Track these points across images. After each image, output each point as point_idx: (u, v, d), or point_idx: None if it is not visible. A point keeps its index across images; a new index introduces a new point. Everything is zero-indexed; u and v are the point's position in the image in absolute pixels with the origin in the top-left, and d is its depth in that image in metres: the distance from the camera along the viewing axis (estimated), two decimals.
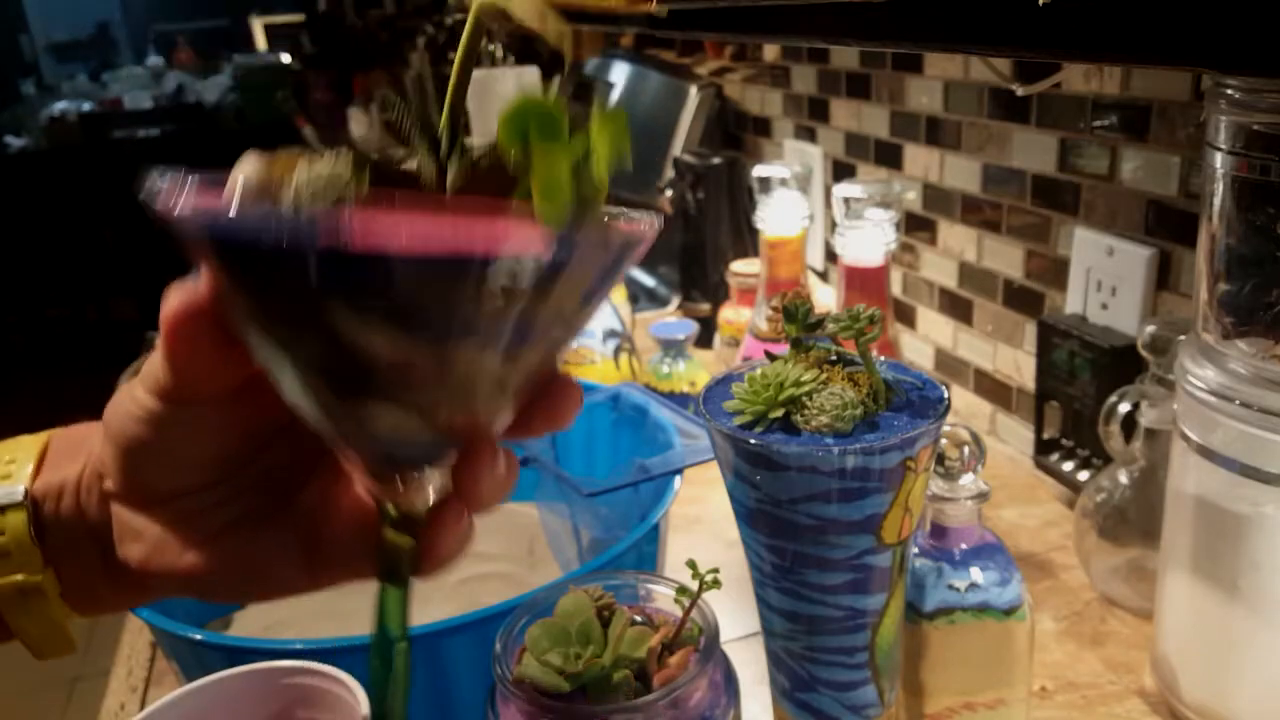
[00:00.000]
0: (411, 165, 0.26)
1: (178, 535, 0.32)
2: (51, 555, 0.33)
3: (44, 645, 0.35)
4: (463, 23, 0.27)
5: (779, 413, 0.40)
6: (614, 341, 1.02)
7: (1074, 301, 0.85)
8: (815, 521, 0.40)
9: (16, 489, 0.33)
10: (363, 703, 0.45)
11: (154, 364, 0.30)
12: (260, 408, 0.31)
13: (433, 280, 0.22)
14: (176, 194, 0.24)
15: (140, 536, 0.32)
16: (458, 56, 0.27)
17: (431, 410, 0.27)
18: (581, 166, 0.26)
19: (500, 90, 1.42)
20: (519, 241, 0.23)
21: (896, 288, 1.12)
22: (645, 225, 0.26)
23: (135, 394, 0.30)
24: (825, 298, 1.11)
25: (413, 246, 0.22)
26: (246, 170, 0.25)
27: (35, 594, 0.33)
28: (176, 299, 0.28)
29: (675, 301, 1.36)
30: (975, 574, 0.50)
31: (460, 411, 0.27)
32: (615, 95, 1.61)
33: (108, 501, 0.33)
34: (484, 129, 1.45)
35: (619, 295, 1.16)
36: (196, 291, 0.28)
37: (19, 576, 0.33)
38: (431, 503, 0.30)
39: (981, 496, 0.49)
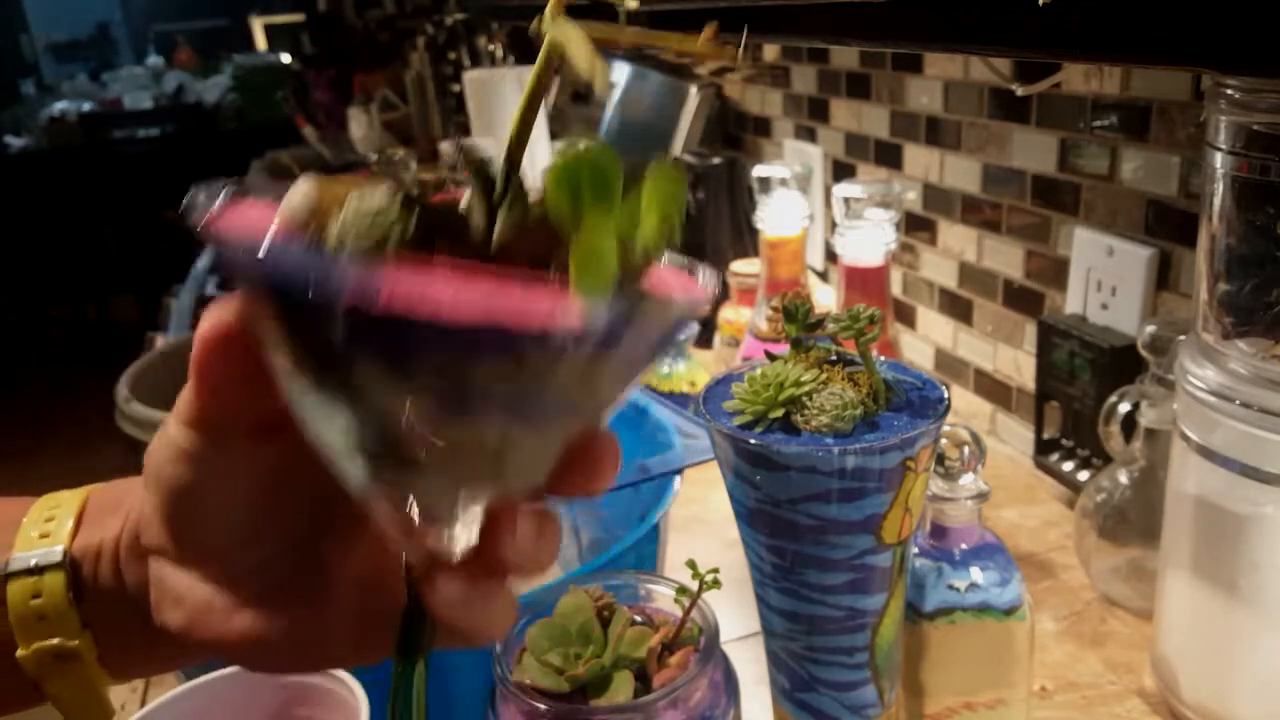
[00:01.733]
0: (460, 207, 0.25)
1: (221, 599, 0.30)
2: (89, 618, 0.32)
3: (79, 712, 0.34)
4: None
5: (779, 413, 0.40)
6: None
7: (1074, 301, 0.85)
8: (815, 521, 0.40)
9: (55, 549, 0.32)
10: (362, 702, 0.45)
11: (185, 391, 0.29)
12: (298, 456, 0.30)
13: (462, 352, 0.21)
14: (218, 214, 0.24)
15: (181, 601, 0.31)
16: (524, 95, 0.26)
17: (455, 477, 0.25)
18: (630, 236, 0.24)
19: (501, 91, 1.42)
20: (556, 318, 0.21)
21: (896, 288, 1.12)
22: (701, 294, 0.25)
23: (168, 430, 0.30)
24: (825, 298, 1.11)
25: (441, 313, 0.20)
26: (296, 198, 0.24)
27: (72, 659, 0.32)
28: (212, 319, 0.27)
29: None
30: (975, 574, 0.50)
31: (486, 480, 0.26)
32: (615, 95, 1.61)
33: (146, 562, 0.32)
34: (482, 129, 1.45)
35: None
36: (231, 313, 0.27)
37: (55, 640, 0.32)
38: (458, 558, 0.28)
39: (981, 496, 0.49)
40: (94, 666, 0.33)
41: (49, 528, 0.33)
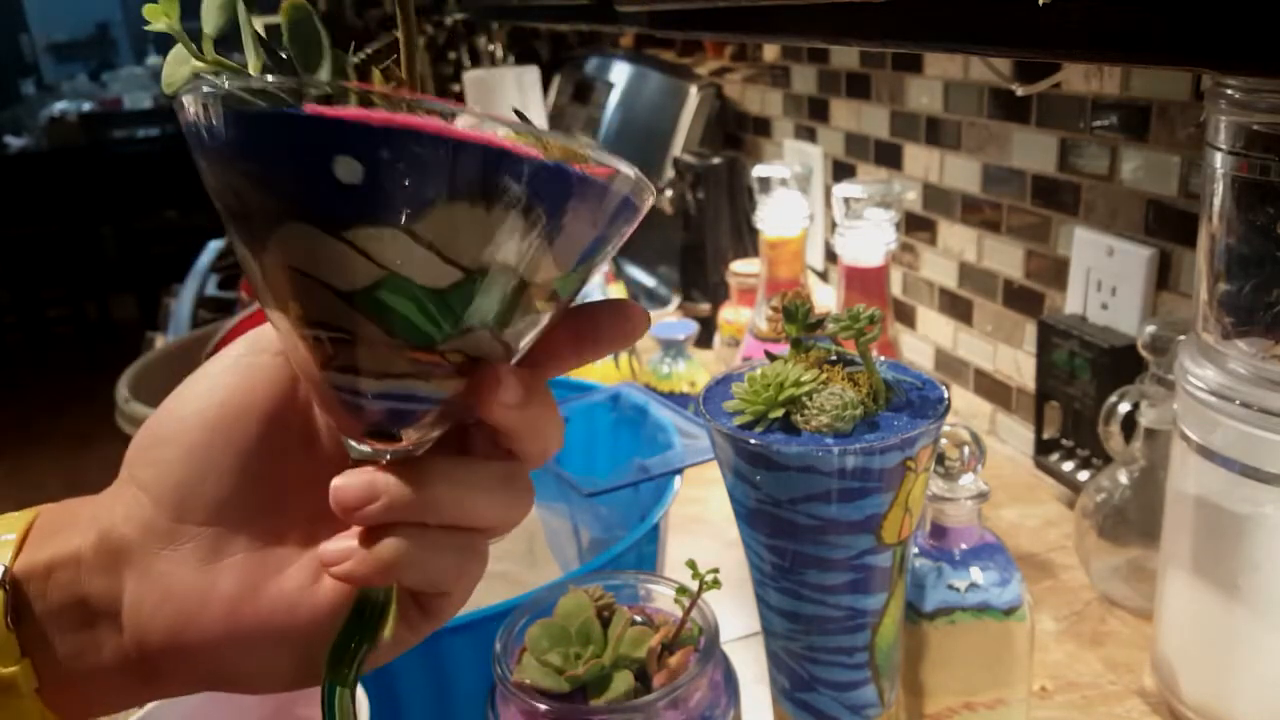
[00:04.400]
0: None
1: (217, 587, 0.30)
2: (29, 645, 0.29)
3: None
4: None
5: (779, 413, 0.40)
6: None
7: (1074, 301, 0.85)
8: (815, 521, 0.40)
9: None
10: (363, 702, 0.45)
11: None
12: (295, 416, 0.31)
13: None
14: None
15: (170, 596, 0.29)
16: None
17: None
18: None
19: (501, 90, 1.42)
20: None
21: (896, 288, 1.12)
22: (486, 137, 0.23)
23: (203, 368, 0.31)
24: (825, 298, 1.11)
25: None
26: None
27: (6, 690, 0.29)
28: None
29: (675, 301, 1.36)
30: (975, 574, 0.50)
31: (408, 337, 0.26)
32: (615, 95, 1.61)
33: (119, 571, 0.30)
34: None
35: (619, 295, 1.16)
36: None
37: None
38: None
39: (981, 496, 0.49)
40: (31, 699, 0.29)
41: None
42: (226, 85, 0.23)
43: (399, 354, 0.26)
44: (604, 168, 0.25)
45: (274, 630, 0.30)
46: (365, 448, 0.29)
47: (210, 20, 0.27)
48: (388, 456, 0.29)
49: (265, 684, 0.31)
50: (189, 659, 0.30)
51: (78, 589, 0.29)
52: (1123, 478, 0.69)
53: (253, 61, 0.26)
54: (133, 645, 0.29)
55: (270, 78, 0.23)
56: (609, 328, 0.30)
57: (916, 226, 1.07)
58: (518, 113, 0.25)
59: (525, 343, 0.28)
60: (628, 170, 0.26)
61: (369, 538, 0.28)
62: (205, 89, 0.24)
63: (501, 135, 0.23)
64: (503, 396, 0.27)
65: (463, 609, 0.32)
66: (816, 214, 1.22)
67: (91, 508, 0.31)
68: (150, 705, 0.45)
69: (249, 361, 0.31)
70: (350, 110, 0.23)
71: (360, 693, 0.45)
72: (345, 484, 0.28)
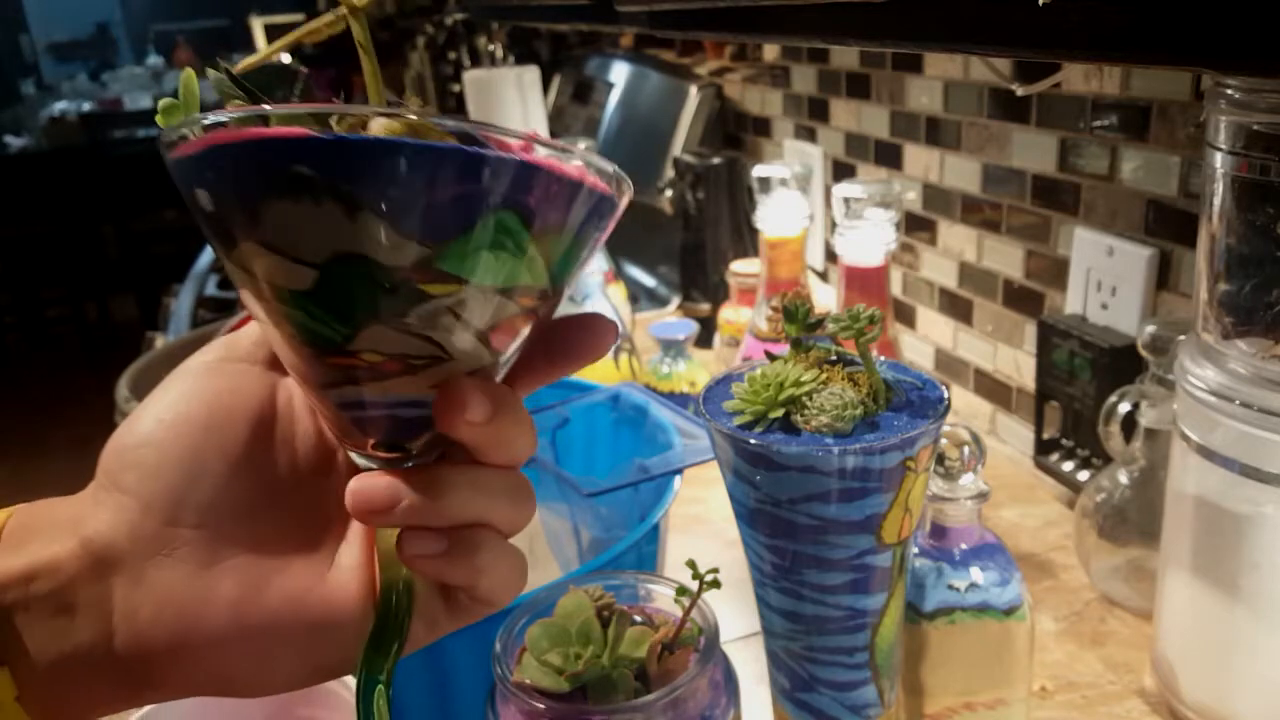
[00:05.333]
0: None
1: (209, 585, 0.29)
2: (9, 651, 0.28)
3: None
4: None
5: (779, 413, 0.40)
6: (614, 341, 1.02)
7: (1074, 301, 0.85)
8: (815, 521, 0.40)
9: None
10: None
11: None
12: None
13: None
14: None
15: (170, 601, 0.29)
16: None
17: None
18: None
19: (501, 91, 1.42)
20: None
21: (896, 288, 1.12)
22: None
23: (191, 361, 0.32)
24: (825, 298, 1.11)
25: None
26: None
27: None
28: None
29: (675, 301, 1.36)
30: (975, 574, 0.50)
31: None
32: (615, 95, 1.61)
33: (108, 580, 0.29)
34: None
35: (619, 295, 1.16)
36: None
37: None
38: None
39: (981, 496, 0.49)
40: (11, 708, 0.28)
41: None
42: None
43: (323, 362, 0.26)
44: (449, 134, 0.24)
45: (281, 629, 0.30)
46: (371, 459, 0.29)
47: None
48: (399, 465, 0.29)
49: (266, 686, 0.31)
50: (193, 662, 0.30)
51: (61, 597, 0.28)
52: (1123, 478, 0.69)
53: None
54: (127, 651, 0.29)
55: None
56: (578, 343, 0.31)
57: (916, 226, 1.07)
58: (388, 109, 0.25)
59: (461, 334, 0.27)
60: (457, 127, 0.24)
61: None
62: None
63: (288, 126, 0.23)
64: (469, 415, 0.27)
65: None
66: (816, 214, 1.22)
67: (65, 511, 0.30)
68: (149, 707, 0.45)
69: (231, 368, 0.31)
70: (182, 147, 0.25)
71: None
72: (365, 487, 0.28)
